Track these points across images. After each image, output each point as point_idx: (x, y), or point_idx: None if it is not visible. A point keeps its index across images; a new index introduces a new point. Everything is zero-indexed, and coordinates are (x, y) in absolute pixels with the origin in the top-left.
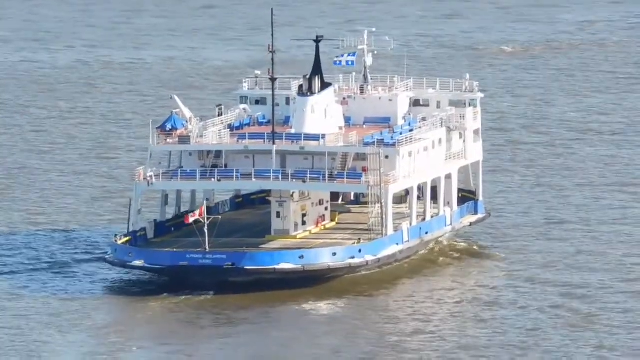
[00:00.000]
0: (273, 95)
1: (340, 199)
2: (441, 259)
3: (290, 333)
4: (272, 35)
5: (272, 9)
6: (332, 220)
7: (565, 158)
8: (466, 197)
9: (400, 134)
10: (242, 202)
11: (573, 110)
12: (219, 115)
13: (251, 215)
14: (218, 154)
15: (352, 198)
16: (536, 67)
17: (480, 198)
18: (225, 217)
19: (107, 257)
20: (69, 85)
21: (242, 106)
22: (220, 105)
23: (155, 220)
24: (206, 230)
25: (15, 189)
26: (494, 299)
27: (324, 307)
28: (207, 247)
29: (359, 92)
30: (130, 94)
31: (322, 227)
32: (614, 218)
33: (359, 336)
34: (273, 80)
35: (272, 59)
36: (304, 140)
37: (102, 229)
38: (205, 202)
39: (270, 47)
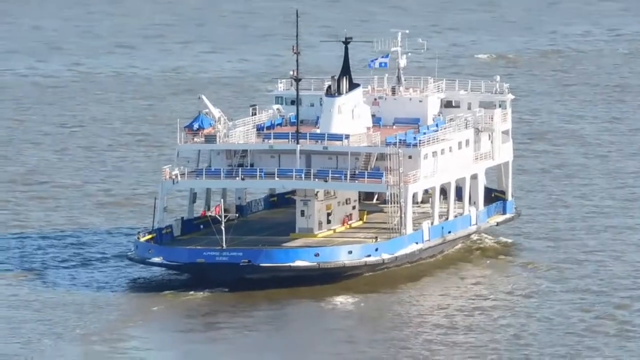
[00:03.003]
0: (297, 95)
1: (375, 198)
2: (468, 257)
3: (304, 329)
4: (297, 36)
5: (297, 11)
6: (360, 219)
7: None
8: (499, 197)
9: (424, 134)
10: (276, 201)
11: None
12: (252, 115)
13: (283, 214)
14: (245, 153)
15: (387, 197)
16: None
17: (510, 198)
18: (257, 215)
19: (129, 254)
20: (86, 92)
21: (276, 106)
22: (254, 105)
23: (182, 218)
24: (223, 228)
25: (46, 186)
26: (511, 303)
27: (338, 304)
28: (223, 245)
29: (390, 93)
30: (151, 99)
31: (348, 226)
32: None
33: (365, 336)
34: (297, 80)
35: (297, 60)
36: (328, 140)
37: (135, 227)
38: (222, 200)
39: (295, 48)
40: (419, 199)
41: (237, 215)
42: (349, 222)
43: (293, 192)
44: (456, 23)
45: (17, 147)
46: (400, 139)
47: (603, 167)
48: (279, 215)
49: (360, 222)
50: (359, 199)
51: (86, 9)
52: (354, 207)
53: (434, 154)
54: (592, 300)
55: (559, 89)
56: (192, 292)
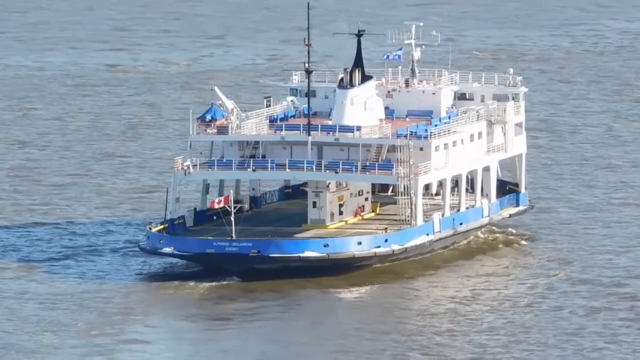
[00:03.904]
0: (309, 87)
1: (390, 190)
2: (479, 249)
3: (310, 321)
4: (308, 28)
5: (308, 3)
6: (373, 211)
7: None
8: (513, 190)
9: (436, 126)
10: (291, 192)
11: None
12: (267, 107)
13: (297, 206)
14: (258, 144)
15: (398, 189)
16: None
17: (523, 190)
18: (271, 207)
19: (140, 244)
20: (91, 86)
21: (290, 98)
22: (269, 97)
23: (195, 209)
24: (232, 219)
25: (51, 178)
26: (521, 296)
27: (347, 295)
28: (233, 235)
29: (403, 85)
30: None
31: (360, 218)
32: None
33: (383, 321)
34: (309, 72)
35: (308, 52)
36: (339, 131)
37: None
38: (231, 191)
39: (306, 40)
40: (434, 191)
41: (245, 206)
42: (362, 214)
43: (306, 183)
44: (454, 17)
45: (21, 140)
46: (411, 131)
47: (608, 162)
48: (293, 206)
49: (373, 214)
50: (375, 191)
51: (84, 3)
52: (366, 199)
53: (446, 146)
54: (603, 294)
55: (563, 84)
56: (195, 283)
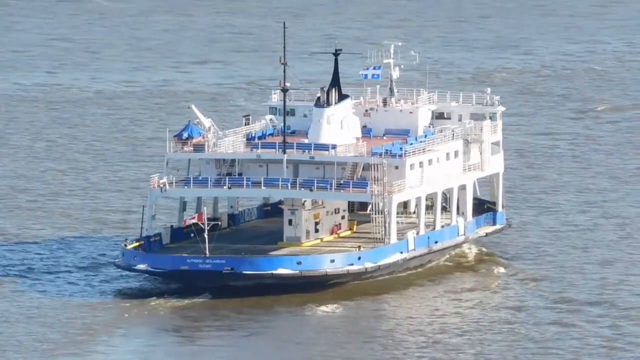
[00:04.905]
0: (285, 105)
1: (369, 208)
2: (455, 268)
3: (279, 343)
4: (284, 47)
5: (284, 23)
6: (349, 229)
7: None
8: (491, 208)
9: (411, 145)
10: (270, 210)
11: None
12: (245, 125)
13: (275, 224)
14: (234, 162)
15: (372, 207)
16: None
17: (500, 209)
18: (250, 224)
19: (115, 261)
20: (60, 106)
21: (269, 117)
22: (247, 115)
23: (172, 226)
24: (206, 236)
25: (43, 193)
26: (492, 316)
27: (318, 313)
28: (207, 253)
29: (381, 104)
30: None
31: (337, 236)
32: None
33: (349, 343)
34: (284, 91)
35: (284, 71)
36: (314, 150)
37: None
38: (204, 208)
39: (282, 59)
40: (412, 209)
41: (221, 223)
42: (338, 232)
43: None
44: (426, 39)
45: None
46: (386, 150)
47: (577, 184)
48: (270, 224)
49: (350, 232)
50: (354, 209)
51: (58, 22)
52: (343, 217)
53: (421, 164)
54: (573, 313)
55: (531, 107)
56: (161, 302)
